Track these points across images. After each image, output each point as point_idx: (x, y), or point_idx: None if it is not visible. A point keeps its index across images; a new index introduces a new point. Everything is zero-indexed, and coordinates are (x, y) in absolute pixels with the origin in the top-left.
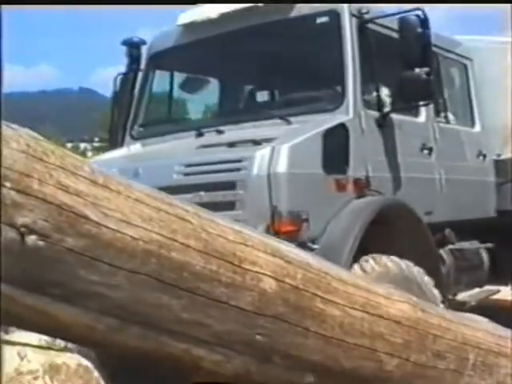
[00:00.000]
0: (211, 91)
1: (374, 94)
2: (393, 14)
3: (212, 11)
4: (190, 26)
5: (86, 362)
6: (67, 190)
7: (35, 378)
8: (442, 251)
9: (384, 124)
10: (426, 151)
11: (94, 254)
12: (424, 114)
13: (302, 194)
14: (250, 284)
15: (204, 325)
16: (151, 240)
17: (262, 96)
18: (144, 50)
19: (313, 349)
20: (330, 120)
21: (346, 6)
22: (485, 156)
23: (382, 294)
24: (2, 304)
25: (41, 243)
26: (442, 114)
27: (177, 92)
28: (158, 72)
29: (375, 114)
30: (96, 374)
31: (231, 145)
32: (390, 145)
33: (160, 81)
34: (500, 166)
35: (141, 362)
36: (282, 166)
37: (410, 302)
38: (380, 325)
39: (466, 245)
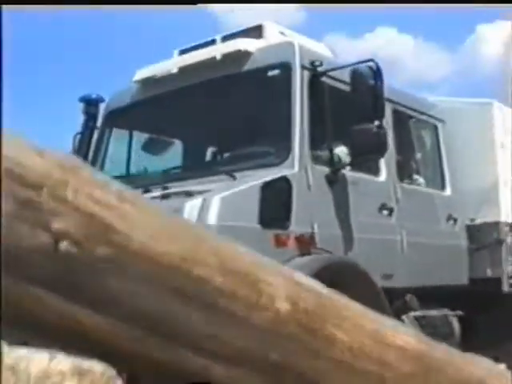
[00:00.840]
0: (166, 149)
1: (326, 149)
2: (345, 66)
3: (165, 68)
4: (143, 83)
5: (110, 370)
6: (98, 203)
7: (63, 380)
8: (404, 318)
9: (335, 180)
10: (385, 211)
11: (122, 263)
12: (384, 173)
13: None
14: (265, 303)
15: (222, 340)
16: (175, 254)
17: (213, 152)
18: (101, 107)
19: (324, 371)
20: (272, 174)
21: (297, 58)
22: (455, 220)
23: (389, 325)
24: (28, 304)
25: (72, 249)
26: (410, 176)
27: (133, 150)
28: (114, 130)
29: (325, 169)
30: (119, 382)
31: (165, 196)
32: (342, 202)
33: (116, 139)
34: (473, 231)
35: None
36: (211, 218)
37: (416, 335)
38: (388, 353)
39: (432, 312)
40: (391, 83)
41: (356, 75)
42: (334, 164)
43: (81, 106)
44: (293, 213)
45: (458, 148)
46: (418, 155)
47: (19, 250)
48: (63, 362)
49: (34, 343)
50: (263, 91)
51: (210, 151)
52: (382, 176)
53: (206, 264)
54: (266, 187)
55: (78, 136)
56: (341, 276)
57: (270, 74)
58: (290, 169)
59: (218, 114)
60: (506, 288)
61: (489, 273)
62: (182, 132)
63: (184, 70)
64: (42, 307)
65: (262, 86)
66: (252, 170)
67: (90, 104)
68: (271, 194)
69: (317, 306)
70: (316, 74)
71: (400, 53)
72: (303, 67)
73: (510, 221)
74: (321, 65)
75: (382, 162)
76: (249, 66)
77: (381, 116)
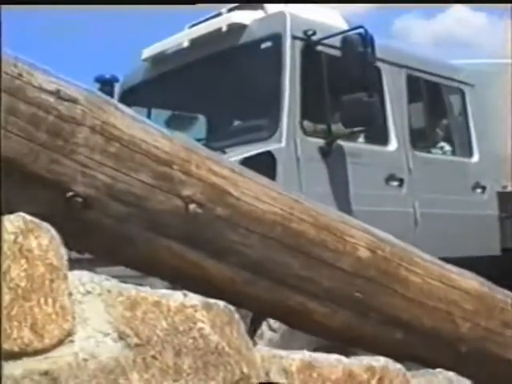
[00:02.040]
0: (183, 124)
1: (320, 121)
2: (336, 34)
3: (167, 44)
4: (151, 61)
5: (230, 306)
6: (216, 174)
7: (195, 311)
8: None
9: (330, 152)
10: (394, 182)
11: (235, 220)
12: (394, 142)
13: None
14: (350, 251)
15: (316, 281)
16: (276, 213)
17: (208, 128)
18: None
19: (400, 308)
20: (259, 148)
21: (288, 28)
22: (484, 188)
23: (454, 271)
24: (164, 255)
25: (198, 210)
26: (435, 143)
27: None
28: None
29: (319, 141)
30: (237, 315)
31: None
32: (340, 175)
33: None
34: (505, 198)
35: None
36: None
37: (478, 279)
38: (454, 293)
39: None
40: (406, 48)
41: (345, 43)
42: (329, 136)
43: (96, 86)
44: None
45: (489, 112)
46: (444, 122)
47: (158, 212)
48: (194, 298)
49: (171, 285)
50: (256, 64)
51: (205, 127)
52: (392, 145)
53: (301, 220)
54: (246, 163)
55: None
56: None
57: (263, 46)
58: (278, 143)
59: (214, 90)
60: None
61: None
62: (185, 107)
63: (183, 46)
64: (175, 256)
65: (255, 58)
66: (242, 146)
67: (105, 84)
68: (252, 170)
69: (392, 253)
70: (309, 44)
71: (474, 32)
72: (294, 37)
73: None
74: (314, 34)
75: (392, 131)
76: (244, 39)
77: (371, 84)
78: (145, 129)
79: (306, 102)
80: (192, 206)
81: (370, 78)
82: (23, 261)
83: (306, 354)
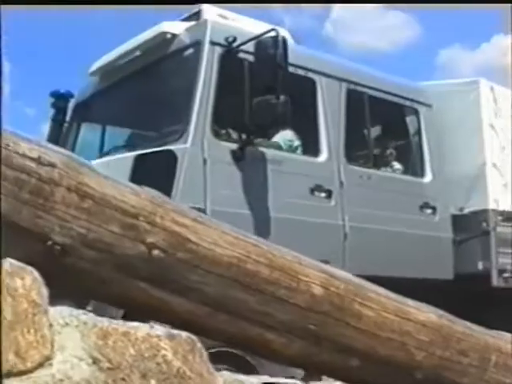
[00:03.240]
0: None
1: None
2: (252, 39)
3: (111, 56)
4: (97, 74)
5: (193, 336)
6: (178, 223)
7: (159, 340)
8: None
9: (243, 157)
10: (321, 194)
11: (195, 263)
12: (325, 153)
13: None
14: (304, 289)
15: (271, 315)
16: (233, 256)
17: (130, 135)
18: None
19: (353, 338)
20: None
21: (208, 35)
22: (434, 209)
23: (411, 304)
24: (133, 292)
25: (162, 255)
26: (383, 160)
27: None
28: (80, 122)
29: (231, 145)
30: (199, 344)
31: None
32: (256, 180)
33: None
34: (461, 221)
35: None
36: None
37: (436, 312)
38: (409, 325)
39: None
40: (352, 64)
41: (258, 46)
42: (240, 140)
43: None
44: (178, 187)
45: (446, 132)
46: (395, 140)
47: (127, 256)
48: (159, 329)
49: (138, 318)
50: (180, 71)
51: (131, 137)
52: (322, 157)
53: (256, 262)
54: (141, 158)
55: (48, 129)
56: None
57: (185, 53)
58: (183, 144)
59: (142, 101)
60: (495, 283)
61: (477, 266)
62: (116, 120)
63: (120, 58)
64: (142, 294)
65: (179, 66)
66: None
67: (59, 98)
68: (147, 166)
69: (346, 290)
70: (229, 50)
71: None
72: (213, 43)
73: (501, 208)
74: (234, 41)
75: (323, 143)
76: (172, 48)
77: (279, 86)
78: (115, 186)
79: (223, 107)
80: (155, 252)
81: (278, 79)
82: (9, 298)
83: (263, 379)
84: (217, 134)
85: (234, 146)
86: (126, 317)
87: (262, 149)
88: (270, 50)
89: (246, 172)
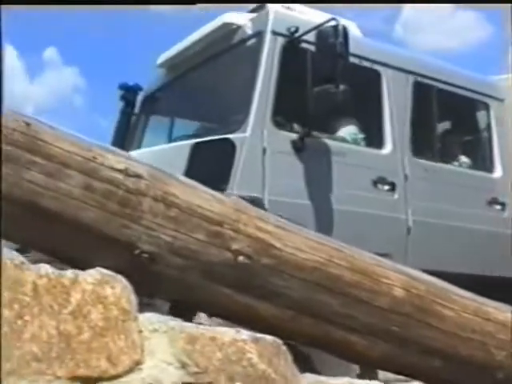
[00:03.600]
0: None
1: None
2: (312, 29)
3: (177, 48)
4: (163, 67)
5: (278, 339)
6: (261, 229)
7: (245, 344)
8: None
9: (304, 147)
10: (384, 186)
11: (279, 268)
12: (389, 146)
13: None
14: (385, 291)
15: (354, 317)
16: (315, 260)
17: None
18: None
19: (435, 339)
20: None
21: (270, 25)
22: (504, 205)
23: (490, 304)
24: (219, 299)
25: (247, 261)
26: (450, 154)
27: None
28: (149, 116)
29: (291, 136)
30: (284, 347)
31: None
32: (317, 171)
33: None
34: None
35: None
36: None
37: None
38: (488, 325)
39: None
40: (420, 56)
41: (319, 36)
42: (301, 130)
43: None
44: (235, 175)
45: None
46: (463, 133)
47: (212, 263)
48: (245, 334)
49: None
50: (243, 62)
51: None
52: (386, 149)
53: (338, 265)
54: (199, 146)
55: (116, 122)
56: None
57: (248, 43)
58: (243, 133)
59: (206, 93)
60: None
61: None
62: (183, 113)
63: (186, 50)
64: (228, 299)
65: (242, 57)
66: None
67: (128, 91)
68: (205, 154)
69: (427, 291)
70: (291, 40)
71: None
72: (276, 33)
73: None
74: (296, 31)
75: (388, 135)
76: (235, 39)
77: (340, 75)
78: (200, 195)
79: (284, 97)
80: (241, 258)
81: (338, 68)
82: (100, 306)
83: (345, 380)
84: (277, 124)
85: (295, 137)
86: (173, 309)
87: (323, 140)
88: (330, 39)
89: (306, 163)
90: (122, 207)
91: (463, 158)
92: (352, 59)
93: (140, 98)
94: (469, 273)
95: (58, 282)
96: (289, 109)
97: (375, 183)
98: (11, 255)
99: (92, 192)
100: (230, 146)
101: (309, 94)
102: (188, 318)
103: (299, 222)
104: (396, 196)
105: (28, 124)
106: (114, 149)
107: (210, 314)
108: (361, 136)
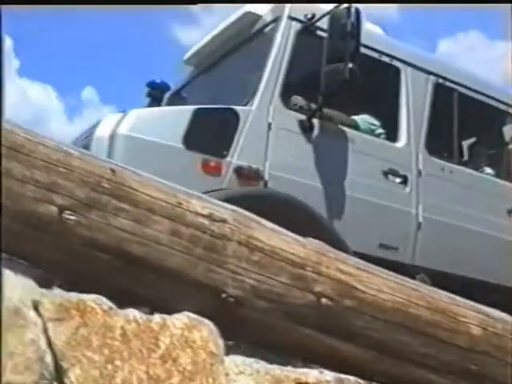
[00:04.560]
0: None
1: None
2: (325, 15)
3: (202, 43)
4: (190, 62)
5: (359, 379)
6: (343, 272)
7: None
8: None
9: (311, 129)
10: (396, 179)
11: (362, 309)
12: (403, 140)
13: (141, 159)
14: (463, 330)
15: (434, 356)
16: (396, 301)
17: None
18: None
19: None
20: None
21: (287, 10)
22: None
23: None
24: (302, 340)
25: (329, 303)
26: (467, 160)
27: None
28: None
29: (299, 116)
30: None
31: None
32: (320, 153)
33: None
34: None
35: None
36: (122, 128)
37: None
38: None
39: None
40: (448, 60)
41: (332, 17)
42: (308, 111)
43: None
44: (236, 145)
45: None
46: (489, 141)
47: (295, 306)
48: (328, 375)
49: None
50: (260, 48)
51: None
52: (400, 143)
53: (417, 305)
54: (201, 112)
55: None
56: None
57: (266, 30)
58: (248, 106)
59: (227, 80)
60: None
61: None
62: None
63: (210, 44)
64: (310, 340)
65: (261, 44)
66: None
67: (156, 89)
68: (207, 120)
69: (503, 329)
70: (307, 26)
71: None
72: (292, 18)
73: None
74: (313, 17)
75: (403, 129)
76: (256, 27)
77: (352, 54)
78: (282, 238)
79: (295, 78)
80: (323, 300)
81: (348, 47)
82: (189, 350)
83: None
84: (286, 103)
85: (303, 117)
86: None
87: (333, 124)
88: (343, 19)
89: (313, 144)
90: (207, 252)
91: (486, 166)
92: (372, 53)
93: (172, 93)
94: (479, 279)
95: (147, 326)
96: (299, 89)
97: (386, 174)
98: (100, 301)
99: (179, 237)
100: (234, 117)
101: (319, 75)
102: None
103: (300, 200)
104: (407, 189)
105: (114, 171)
106: (197, 194)
107: (294, 356)
108: (380, 130)
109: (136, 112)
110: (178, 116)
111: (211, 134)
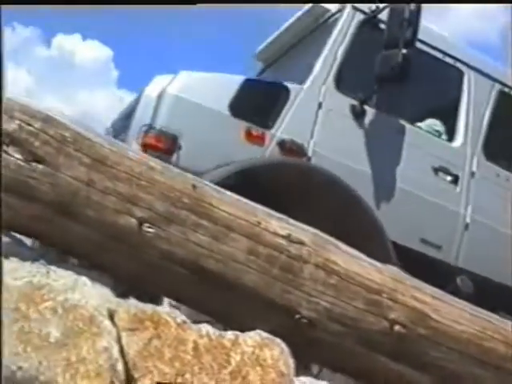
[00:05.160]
0: None
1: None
2: (386, 7)
3: (268, 40)
4: (261, 58)
5: None
6: (418, 300)
7: None
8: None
9: (363, 115)
10: (447, 177)
11: (436, 339)
12: (459, 140)
13: (186, 121)
14: None
15: None
16: (471, 333)
17: None
18: None
19: None
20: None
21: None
22: None
23: None
24: (378, 368)
25: (402, 330)
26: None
27: None
28: None
29: (352, 101)
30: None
31: None
32: (370, 141)
33: None
34: None
35: None
36: (172, 89)
37: None
38: None
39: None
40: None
41: (392, 11)
42: (366, 99)
43: None
44: (283, 119)
45: None
46: None
47: (369, 331)
48: None
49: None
50: (324, 34)
51: None
52: (455, 142)
53: (492, 338)
54: (251, 83)
55: None
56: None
57: (330, 20)
58: (301, 85)
59: (293, 65)
60: None
61: None
62: None
63: (278, 39)
64: (382, 366)
65: (324, 30)
66: None
67: None
68: (256, 91)
69: None
70: (370, 17)
71: None
72: (355, 8)
73: None
74: (377, 10)
75: (460, 129)
76: (322, 19)
77: (407, 41)
78: (360, 263)
79: (354, 65)
80: (397, 327)
81: (404, 33)
82: (259, 368)
83: None
84: (339, 87)
85: (355, 102)
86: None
87: (385, 113)
88: (402, 8)
89: (363, 129)
90: (284, 272)
91: None
92: (436, 53)
93: None
94: None
95: (219, 342)
96: (355, 75)
97: (436, 171)
98: (174, 314)
99: (256, 256)
100: (285, 92)
101: (375, 63)
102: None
103: (345, 181)
104: (458, 189)
105: (195, 186)
106: (277, 214)
107: (366, 381)
108: (439, 130)
109: (186, 74)
110: (228, 83)
111: (259, 104)
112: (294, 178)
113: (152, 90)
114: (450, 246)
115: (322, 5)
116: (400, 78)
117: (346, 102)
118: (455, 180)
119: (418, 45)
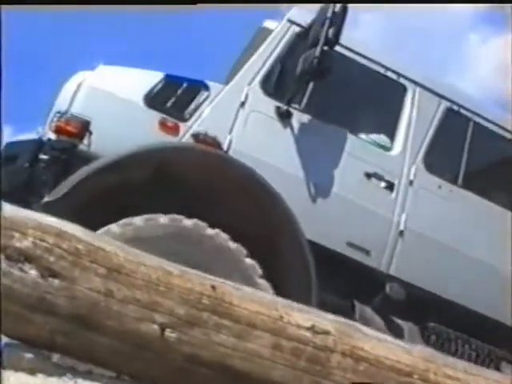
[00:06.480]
0: None
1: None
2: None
3: None
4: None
5: None
6: (451, 377)
7: None
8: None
9: (288, 117)
10: (379, 182)
11: None
12: (397, 149)
13: (102, 109)
14: None
15: None
16: None
17: None
18: None
19: None
20: None
21: (288, 15)
22: None
23: None
24: None
25: None
26: (470, 183)
27: None
28: None
29: (277, 103)
30: None
31: None
32: (296, 142)
33: None
34: None
35: None
36: (88, 81)
37: None
38: None
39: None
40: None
41: (320, 10)
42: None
43: None
44: (202, 114)
45: None
46: (499, 172)
47: None
48: None
49: None
50: (259, 46)
51: None
52: (394, 150)
53: None
54: (170, 79)
55: None
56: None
57: (271, 33)
58: (224, 85)
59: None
60: None
61: None
62: None
63: (242, 55)
64: None
65: (261, 43)
66: None
67: None
68: (173, 86)
69: None
70: (301, 27)
71: None
72: (292, 22)
73: None
74: (303, 22)
75: (398, 139)
76: (265, 34)
77: (330, 42)
78: (388, 347)
79: (280, 70)
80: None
81: (326, 30)
82: None
83: None
84: (267, 90)
85: (280, 105)
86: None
87: (311, 116)
88: (327, 9)
89: (288, 132)
90: (311, 364)
91: (491, 189)
92: (379, 68)
93: None
94: (454, 301)
95: None
96: (284, 81)
97: (369, 176)
98: None
99: (281, 351)
100: (204, 89)
101: (297, 64)
102: None
103: (259, 176)
104: (393, 196)
105: (214, 287)
106: (299, 306)
107: None
108: (387, 146)
109: (105, 67)
110: (147, 77)
111: (176, 99)
112: (208, 166)
113: (71, 83)
114: (380, 253)
115: (268, 26)
116: (319, 74)
117: (271, 104)
118: (390, 187)
119: (360, 59)
